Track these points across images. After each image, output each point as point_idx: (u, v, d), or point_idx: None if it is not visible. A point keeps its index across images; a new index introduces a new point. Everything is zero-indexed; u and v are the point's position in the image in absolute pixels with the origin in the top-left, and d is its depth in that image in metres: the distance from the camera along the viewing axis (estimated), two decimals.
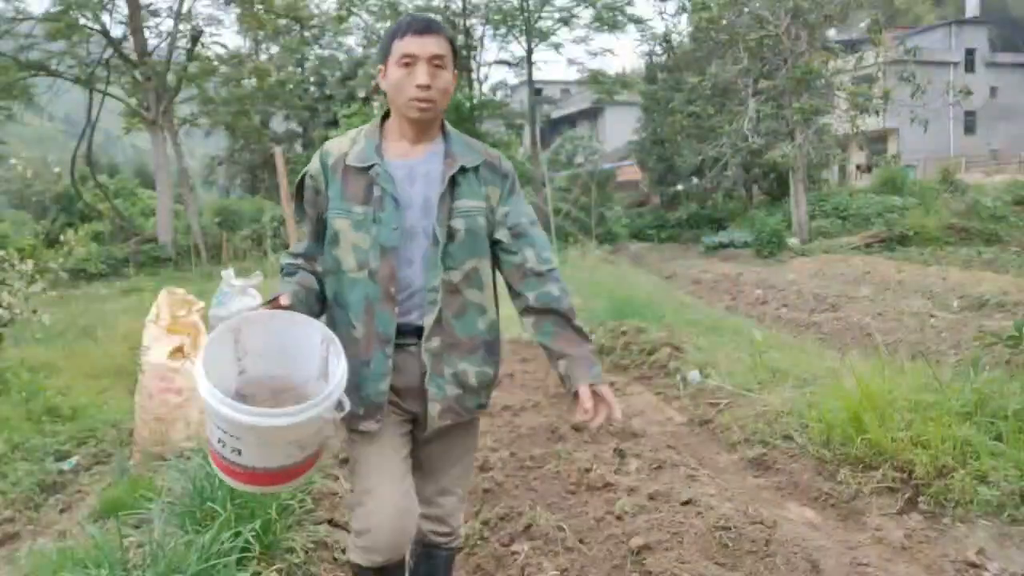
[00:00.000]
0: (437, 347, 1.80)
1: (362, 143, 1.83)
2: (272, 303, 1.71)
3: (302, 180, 1.88)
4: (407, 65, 1.74)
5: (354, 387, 1.75)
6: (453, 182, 1.81)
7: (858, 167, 30.45)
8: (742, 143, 17.78)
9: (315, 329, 1.73)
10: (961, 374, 3.82)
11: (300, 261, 1.91)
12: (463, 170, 1.82)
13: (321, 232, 1.87)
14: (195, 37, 23.34)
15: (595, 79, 27.28)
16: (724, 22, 18.21)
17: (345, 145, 1.85)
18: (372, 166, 1.78)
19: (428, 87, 1.74)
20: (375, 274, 1.77)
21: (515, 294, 1.87)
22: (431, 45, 1.75)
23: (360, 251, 1.78)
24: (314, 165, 1.85)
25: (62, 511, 3.60)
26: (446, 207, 1.79)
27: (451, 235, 1.80)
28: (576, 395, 1.78)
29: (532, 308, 1.84)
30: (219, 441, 1.65)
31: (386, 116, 1.89)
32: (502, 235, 1.86)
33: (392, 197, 1.77)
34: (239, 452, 1.66)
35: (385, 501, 1.78)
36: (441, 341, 1.80)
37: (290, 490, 1.83)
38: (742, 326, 7.32)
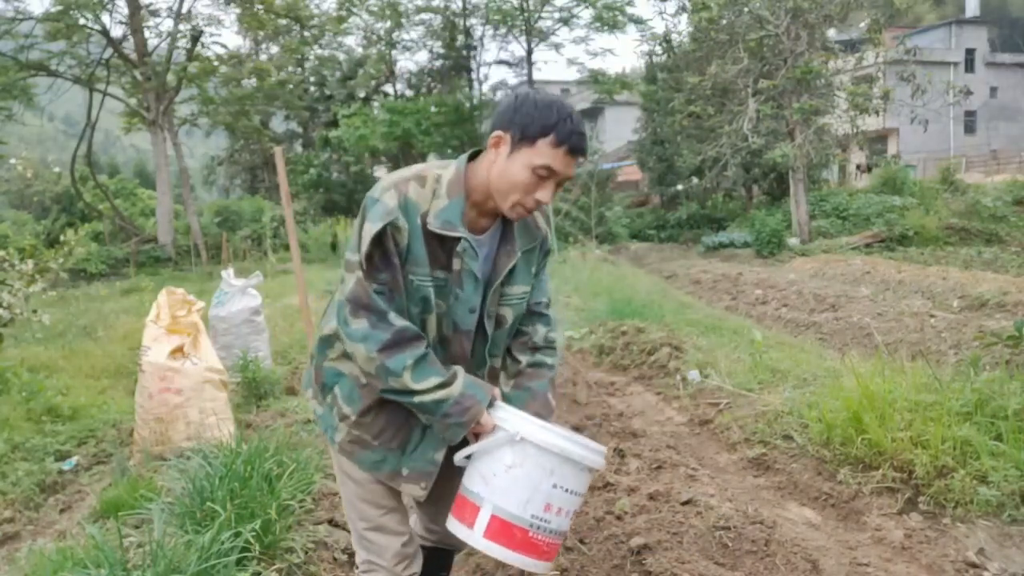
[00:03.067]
0: None
1: (443, 200, 1.59)
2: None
3: (383, 232, 1.54)
4: (540, 177, 1.54)
5: (409, 449, 1.71)
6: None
7: (858, 167, 30.44)
8: (742, 143, 17.77)
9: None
10: (961, 374, 3.82)
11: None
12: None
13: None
14: (195, 37, 23.37)
15: (595, 79, 27.31)
16: (724, 22, 18.20)
17: (425, 196, 1.59)
18: (459, 239, 1.59)
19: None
20: (448, 345, 1.68)
21: (511, 358, 1.83)
22: (574, 168, 1.59)
23: (440, 318, 1.65)
24: (398, 219, 1.55)
25: (62, 511, 3.60)
26: (497, 295, 1.69)
27: (499, 323, 1.73)
28: None
29: (520, 371, 1.81)
30: (560, 512, 1.47)
31: (471, 157, 1.67)
32: None
33: (473, 275, 1.63)
34: (569, 515, 1.52)
35: (393, 539, 1.80)
36: None
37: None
38: (742, 326, 7.32)
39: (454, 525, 1.58)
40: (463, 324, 1.66)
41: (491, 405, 1.60)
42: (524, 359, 1.81)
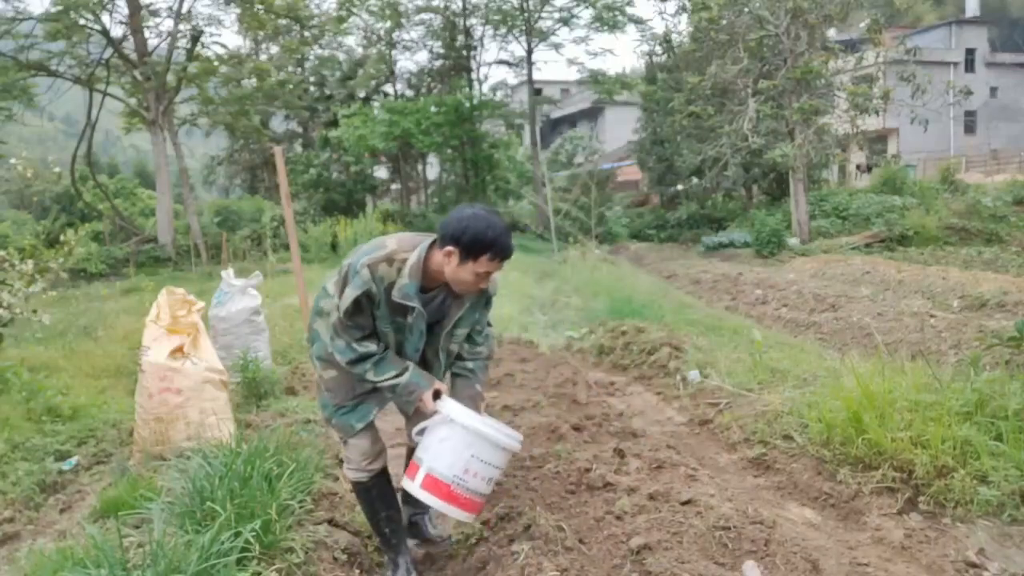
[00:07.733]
0: None
1: (406, 280, 2.32)
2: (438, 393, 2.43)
3: (360, 298, 2.32)
4: (481, 276, 2.32)
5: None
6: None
7: (858, 167, 30.45)
8: (742, 143, 17.76)
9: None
10: (961, 374, 3.82)
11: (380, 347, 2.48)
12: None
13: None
14: (195, 37, 23.32)
15: (595, 79, 27.29)
16: (724, 22, 18.20)
17: (392, 273, 2.33)
18: (412, 308, 2.36)
19: None
20: (412, 356, 2.55)
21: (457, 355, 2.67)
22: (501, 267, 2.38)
23: (406, 343, 2.51)
24: (372, 287, 2.32)
25: (62, 511, 3.59)
26: (449, 336, 2.54)
27: (448, 354, 2.59)
28: None
29: (460, 357, 2.67)
30: (476, 476, 2.11)
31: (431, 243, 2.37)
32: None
33: (420, 331, 2.46)
34: (491, 481, 2.22)
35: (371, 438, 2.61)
36: None
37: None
38: (742, 326, 7.33)
39: (405, 481, 2.21)
40: (414, 357, 2.52)
41: (437, 396, 2.25)
42: (467, 356, 2.68)
